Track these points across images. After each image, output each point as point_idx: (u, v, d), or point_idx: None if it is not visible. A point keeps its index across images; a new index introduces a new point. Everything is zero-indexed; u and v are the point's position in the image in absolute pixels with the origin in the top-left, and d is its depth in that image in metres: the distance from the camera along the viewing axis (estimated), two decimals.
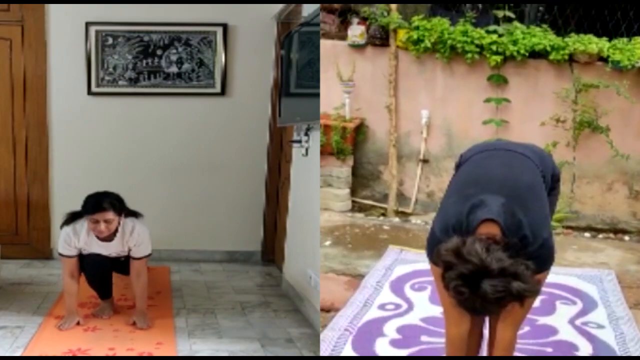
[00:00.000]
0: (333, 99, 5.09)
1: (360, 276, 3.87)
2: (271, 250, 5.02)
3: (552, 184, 2.47)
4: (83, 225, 3.39)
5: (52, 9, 4.75)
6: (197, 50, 4.88)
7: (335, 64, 5.03)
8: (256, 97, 4.95)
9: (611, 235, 4.84)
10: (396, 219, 5.05)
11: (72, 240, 3.36)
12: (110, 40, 4.82)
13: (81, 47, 4.79)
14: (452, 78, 5.00)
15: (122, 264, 3.52)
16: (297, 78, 3.86)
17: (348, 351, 2.98)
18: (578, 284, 3.83)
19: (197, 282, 4.39)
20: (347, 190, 5.21)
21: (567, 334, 3.21)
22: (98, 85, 4.85)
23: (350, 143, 5.11)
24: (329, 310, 3.43)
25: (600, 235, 4.82)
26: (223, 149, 4.98)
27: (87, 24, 4.76)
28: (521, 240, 2.03)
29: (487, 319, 2.43)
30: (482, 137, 4.98)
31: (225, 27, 4.85)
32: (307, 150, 3.75)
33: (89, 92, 4.85)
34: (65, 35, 4.79)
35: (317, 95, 3.63)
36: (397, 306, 3.42)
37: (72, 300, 3.37)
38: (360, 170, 5.32)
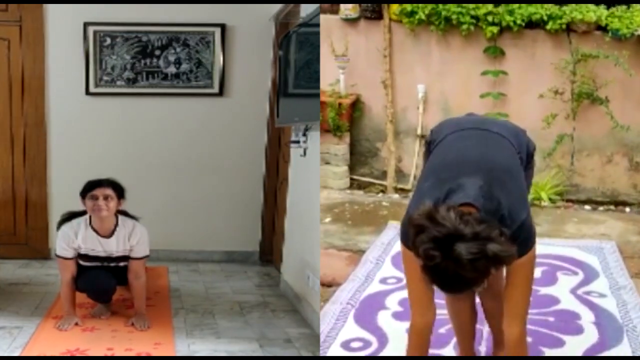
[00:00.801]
0: (327, 75, 5.00)
1: (361, 252, 3.91)
2: (269, 250, 5.02)
3: (527, 159, 2.41)
4: (80, 222, 3.39)
5: (51, 9, 4.75)
6: (195, 51, 4.88)
7: (328, 39, 4.96)
8: (254, 97, 4.95)
9: (612, 207, 4.83)
10: (395, 196, 5.03)
11: (70, 237, 3.34)
12: (109, 41, 4.82)
13: (79, 47, 4.79)
14: (448, 51, 4.96)
15: (124, 275, 3.48)
16: (295, 78, 3.86)
17: (350, 324, 3.03)
18: (579, 255, 3.85)
19: (195, 282, 4.39)
20: (345, 168, 5.20)
21: (569, 303, 3.24)
22: (96, 86, 4.85)
23: (347, 120, 5.07)
24: (330, 285, 3.48)
25: (601, 208, 4.81)
26: (221, 150, 4.98)
27: (86, 24, 4.76)
28: (499, 222, 1.96)
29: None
30: (480, 111, 4.91)
31: (223, 27, 4.85)
32: (305, 150, 3.75)
33: (87, 92, 4.85)
34: (64, 35, 4.79)
35: (316, 95, 3.63)
36: (399, 280, 3.44)
37: (71, 304, 3.36)
38: (358, 148, 5.29)
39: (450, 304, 2.51)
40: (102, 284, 3.43)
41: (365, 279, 3.51)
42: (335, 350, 2.85)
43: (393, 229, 4.19)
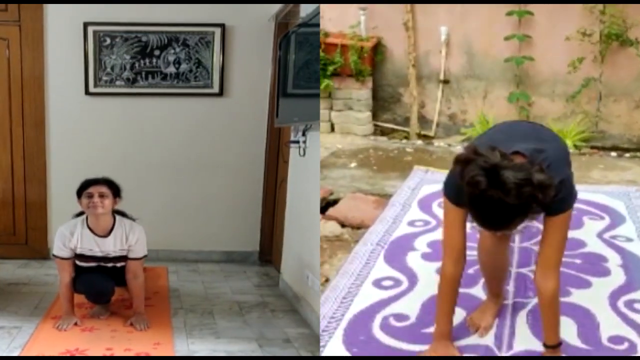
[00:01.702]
0: (347, 16, 4.95)
1: (388, 196, 3.97)
2: (269, 250, 5.02)
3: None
4: (77, 222, 3.38)
5: (50, 9, 4.75)
6: (195, 51, 4.88)
7: None
8: (254, 97, 4.95)
9: (638, 154, 4.76)
10: (419, 142, 5.04)
11: (66, 237, 3.33)
12: (108, 41, 4.82)
13: (79, 47, 4.79)
14: None
15: (122, 276, 3.47)
16: (294, 78, 3.86)
17: (381, 264, 3.11)
18: (605, 200, 3.86)
19: (194, 282, 4.39)
20: (368, 114, 5.19)
21: (595, 246, 3.27)
22: (96, 86, 4.85)
23: (369, 64, 5.01)
24: (359, 227, 3.56)
25: (627, 154, 4.74)
26: (221, 150, 4.98)
27: (85, 24, 4.76)
28: None
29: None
30: (504, 54, 4.86)
31: (223, 27, 4.86)
32: (304, 150, 3.75)
33: (87, 92, 4.85)
34: (63, 35, 4.79)
35: (315, 95, 3.63)
36: (426, 222, 3.50)
37: (69, 304, 3.35)
38: (380, 93, 5.24)
39: (487, 248, 2.54)
40: (99, 286, 3.42)
41: (393, 221, 3.57)
42: (367, 287, 2.92)
43: (419, 174, 4.23)
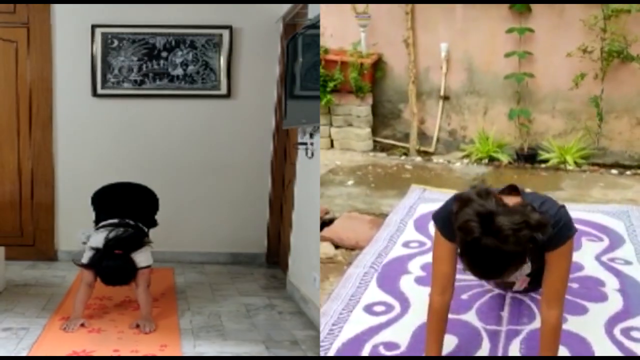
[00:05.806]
0: (348, 33, 4.92)
1: (384, 215, 3.88)
2: (275, 252, 5.01)
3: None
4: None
5: (58, 11, 4.77)
6: (202, 53, 4.88)
7: None
8: (261, 99, 4.95)
9: (639, 171, 4.67)
10: (418, 158, 4.99)
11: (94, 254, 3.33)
12: (116, 43, 4.83)
13: (86, 49, 4.80)
14: (472, 7, 4.81)
15: None
16: (302, 80, 3.86)
17: (373, 288, 3.03)
18: (605, 220, 3.76)
19: (201, 284, 4.39)
20: (368, 130, 5.14)
21: (593, 269, 3.17)
22: (103, 87, 4.86)
23: (369, 80, 5.00)
24: (353, 248, 3.46)
25: (628, 172, 4.67)
26: (228, 151, 4.98)
27: (93, 26, 4.78)
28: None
29: None
30: (505, 70, 4.82)
31: (230, 29, 4.86)
32: (312, 152, 3.75)
33: (94, 94, 4.86)
34: (71, 37, 4.80)
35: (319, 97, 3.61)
36: (421, 244, 3.43)
37: (82, 307, 3.35)
38: (380, 109, 5.21)
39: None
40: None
41: (388, 242, 3.49)
42: (358, 313, 2.84)
43: (416, 193, 4.15)
